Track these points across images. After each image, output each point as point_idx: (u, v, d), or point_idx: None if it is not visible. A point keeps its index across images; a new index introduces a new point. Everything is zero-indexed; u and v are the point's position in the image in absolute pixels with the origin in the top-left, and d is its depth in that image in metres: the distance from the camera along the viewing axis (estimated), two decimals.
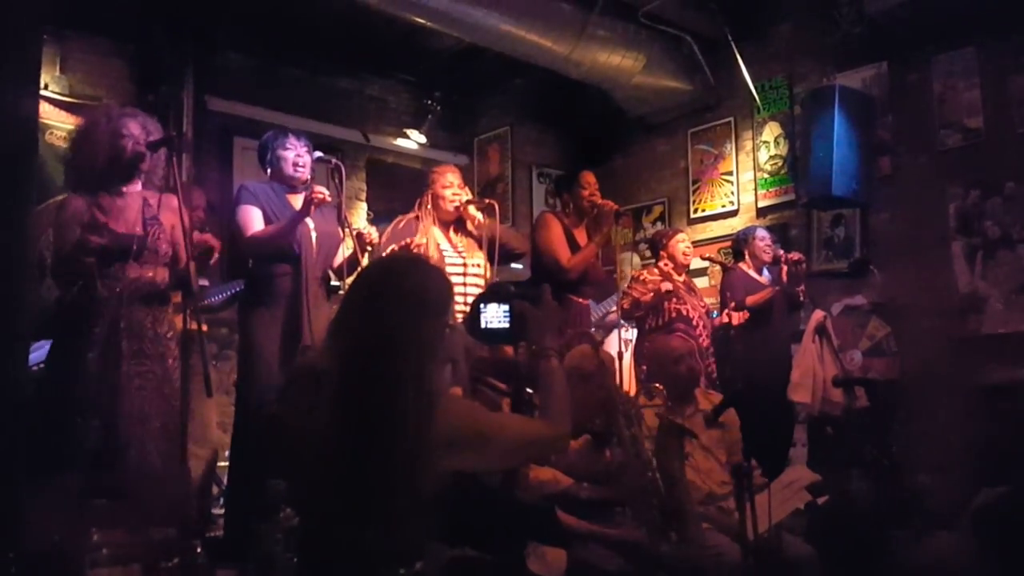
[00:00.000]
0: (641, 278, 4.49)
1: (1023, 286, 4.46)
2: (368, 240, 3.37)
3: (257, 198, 3.30)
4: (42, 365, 3.50)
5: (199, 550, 2.51)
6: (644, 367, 4.43)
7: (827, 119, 4.76)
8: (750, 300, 4.50)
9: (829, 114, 4.75)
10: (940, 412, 4.58)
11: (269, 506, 1.64)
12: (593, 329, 4.81)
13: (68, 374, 2.84)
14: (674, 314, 4.33)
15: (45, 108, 4.55)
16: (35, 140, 3.06)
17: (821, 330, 4.67)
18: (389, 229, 3.78)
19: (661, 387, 3.05)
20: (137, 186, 3.05)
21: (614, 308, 5.08)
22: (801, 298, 4.66)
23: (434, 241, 3.68)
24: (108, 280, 2.88)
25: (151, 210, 3.01)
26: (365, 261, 3.28)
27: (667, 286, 4.36)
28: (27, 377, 3.04)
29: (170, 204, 3.00)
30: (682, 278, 4.57)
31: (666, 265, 4.53)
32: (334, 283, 3.41)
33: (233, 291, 4.11)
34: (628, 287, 4.49)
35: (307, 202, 3.19)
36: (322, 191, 3.20)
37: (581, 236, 4.09)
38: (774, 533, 2.61)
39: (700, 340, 4.29)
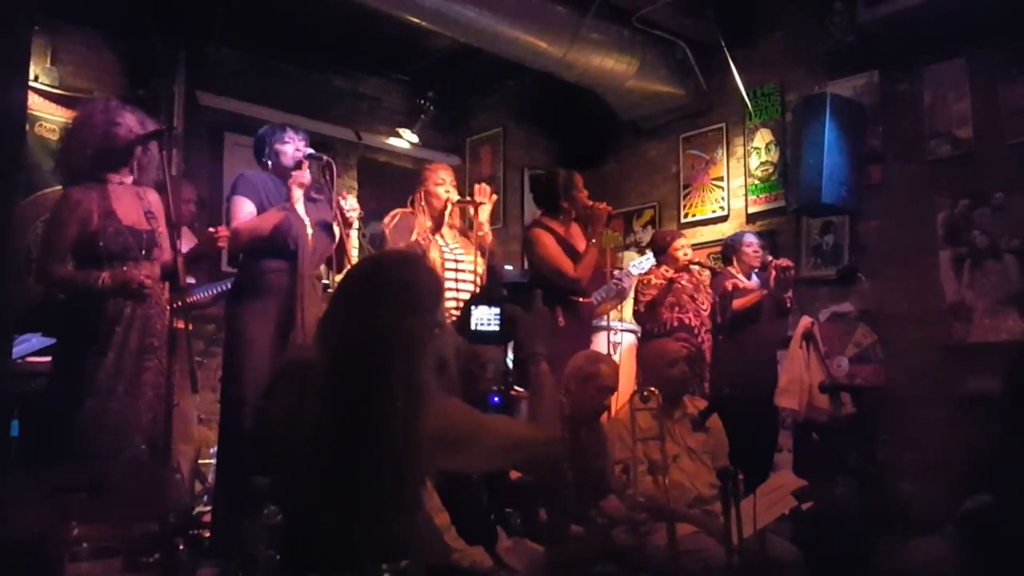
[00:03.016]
0: (647, 281, 4.54)
1: (1010, 296, 4.48)
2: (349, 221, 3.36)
3: (255, 188, 3.25)
4: (25, 359, 3.48)
5: (181, 547, 2.50)
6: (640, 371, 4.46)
7: (818, 127, 4.77)
8: (736, 303, 4.52)
9: (820, 122, 4.77)
10: (926, 420, 4.60)
11: (252, 503, 1.62)
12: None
13: (82, 372, 2.79)
14: (676, 323, 4.36)
15: (34, 100, 4.53)
16: (23, 131, 3.03)
17: (808, 336, 4.68)
18: (387, 222, 3.77)
19: (656, 390, 3.06)
20: (129, 179, 3.03)
21: (605, 295, 5.09)
22: (788, 304, 4.68)
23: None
24: (117, 274, 2.86)
25: (145, 204, 3.01)
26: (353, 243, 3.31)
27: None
28: (9, 371, 3.02)
29: (159, 200, 3.03)
30: (686, 279, 4.58)
31: (667, 270, 4.55)
32: (324, 281, 3.40)
33: (221, 288, 4.09)
34: (638, 292, 4.54)
35: (289, 190, 3.20)
36: (303, 180, 3.24)
37: (575, 237, 4.08)
38: (758, 535, 2.62)
39: (703, 347, 4.31)
